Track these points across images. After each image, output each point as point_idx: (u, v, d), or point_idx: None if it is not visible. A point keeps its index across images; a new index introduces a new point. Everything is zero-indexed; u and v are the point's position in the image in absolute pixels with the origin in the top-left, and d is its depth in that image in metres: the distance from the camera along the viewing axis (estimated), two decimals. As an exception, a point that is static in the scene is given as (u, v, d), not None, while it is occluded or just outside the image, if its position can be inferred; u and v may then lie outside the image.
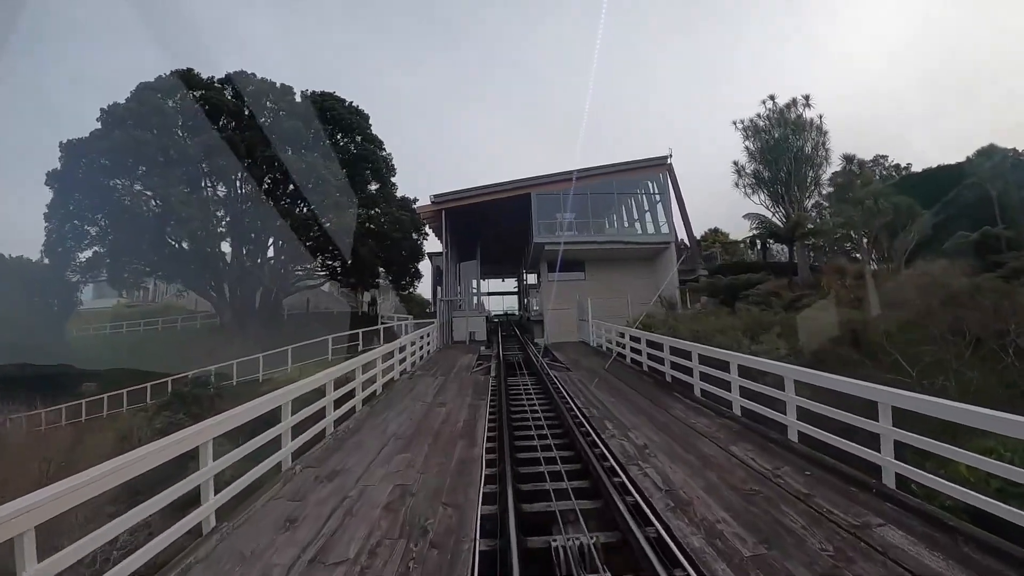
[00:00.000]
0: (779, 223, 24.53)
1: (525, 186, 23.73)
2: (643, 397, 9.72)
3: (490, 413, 8.72)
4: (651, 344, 12.22)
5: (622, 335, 15.59)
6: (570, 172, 24.24)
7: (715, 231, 39.72)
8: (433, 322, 21.11)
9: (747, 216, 25.45)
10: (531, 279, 40.74)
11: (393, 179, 26.31)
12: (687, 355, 9.72)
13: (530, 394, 10.52)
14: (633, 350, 13.81)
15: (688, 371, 9.67)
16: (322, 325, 29.35)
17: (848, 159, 31.43)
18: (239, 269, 28.58)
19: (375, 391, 10.48)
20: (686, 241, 26.95)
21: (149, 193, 23.24)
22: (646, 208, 26.35)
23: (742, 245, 35.30)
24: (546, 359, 17.43)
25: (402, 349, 13.64)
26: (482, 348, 20.76)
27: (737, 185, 28.76)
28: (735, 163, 29.08)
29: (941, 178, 34.36)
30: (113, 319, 44.97)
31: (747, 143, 29.22)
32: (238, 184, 26.01)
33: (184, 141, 24.15)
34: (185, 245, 27.29)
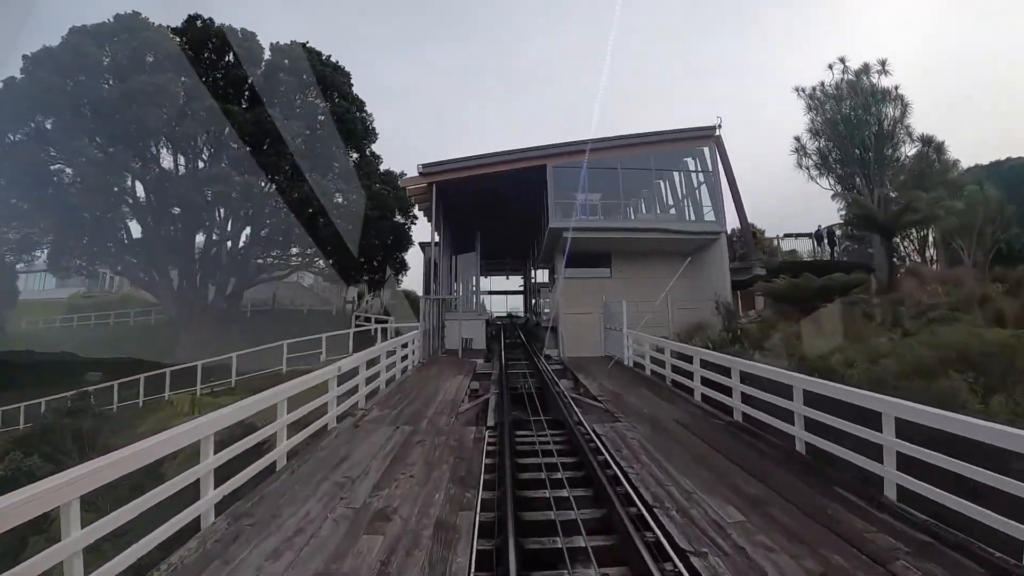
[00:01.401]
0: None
1: (539, 156, 19.01)
2: (817, 523, 4.91)
3: (479, 548, 4.00)
4: (813, 397, 6.93)
5: (680, 356, 10.84)
6: (596, 140, 19.48)
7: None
8: (418, 326, 16.43)
9: (835, 196, 20.61)
10: (540, 276, 35.96)
11: (372, 147, 21.56)
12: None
13: (561, 482, 5.76)
14: (716, 386, 9.06)
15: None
16: (286, 326, 24.80)
17: (926, 141, 26.46)
18: (186, 254, 23.99)
19: (275, 461, 5.79)
20: (738, 232, 22.17)
21: (56, 153, 18.61)
22: (682, 194, 21.53)
23: (776, 242, 30.49)
24: (567, 384, 12.75)
25: (352, 373, 8.97)
26: (479, 362, 16.08)
27: (800, 166, 23.90)
28: (796, 139, 24.23)
29: (1007, 172, 30.32)
30: (69, 310, 40.84)
31: (809, 116, 24.35)
32: (188, 151, 21.35)
33: (108, 91, 19.51)
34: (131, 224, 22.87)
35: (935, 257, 27.48)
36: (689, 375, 10.15)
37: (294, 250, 24.08)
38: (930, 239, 27.25)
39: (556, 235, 18.57)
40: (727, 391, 8.43)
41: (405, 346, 13.95)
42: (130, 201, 23.01)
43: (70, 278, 35.78)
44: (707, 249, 20.31)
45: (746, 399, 7.96)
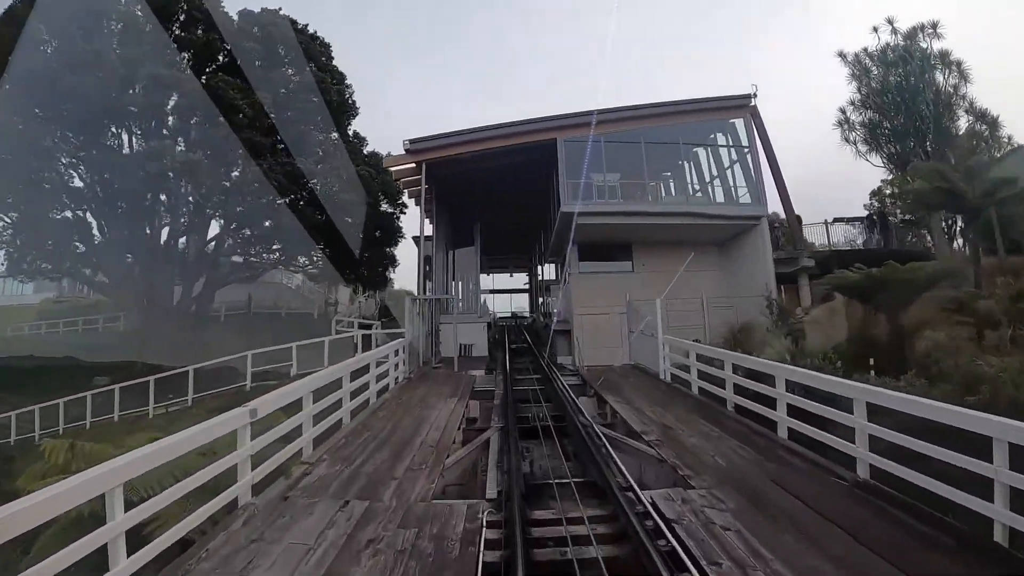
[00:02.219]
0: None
1: (548, 128, 16.21)
2: None
3: None
4: None
5: (750, 374, 8.03)
6: (615, 109, 16.67)
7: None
8: (406, 332, 13.65)
9: (909, 170, 17.71)
10: (548, 272, 33.15)
11: (354, 125, 18.74)
12: None
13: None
14: (808, 416, 6.27)
15: None
16: (260, 331, 22.08)
17: (979, 115, 23.52)
18: (141, 250, 21.28)
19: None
20: (778, 218, 19.33)
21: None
22: (712, 174, 18.66)
23: (824, 228, 27.43)
24: (590, 405, 9.99)
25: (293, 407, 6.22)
26: (479, 376, 13.36)
27: (847, 140, 21.03)
28: (842, 111, 21.34)
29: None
30: (39, 316, 38.38)
31: (854, 85, 21.48)
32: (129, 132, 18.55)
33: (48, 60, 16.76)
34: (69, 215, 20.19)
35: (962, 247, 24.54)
36: (764, 400, 7.36)
37: (277, 245, 21.26)
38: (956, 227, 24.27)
39: (568, 221, 15.72)
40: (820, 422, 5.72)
41: (389, 358, 11.20)
42: (83, 191, 20.28)
43: (34, 281, 33.15)
44: (744, 237, 17.49)
45: (872, 442, 5.17)
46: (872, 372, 8.75)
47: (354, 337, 17.57)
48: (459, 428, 8.12)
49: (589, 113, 16.31)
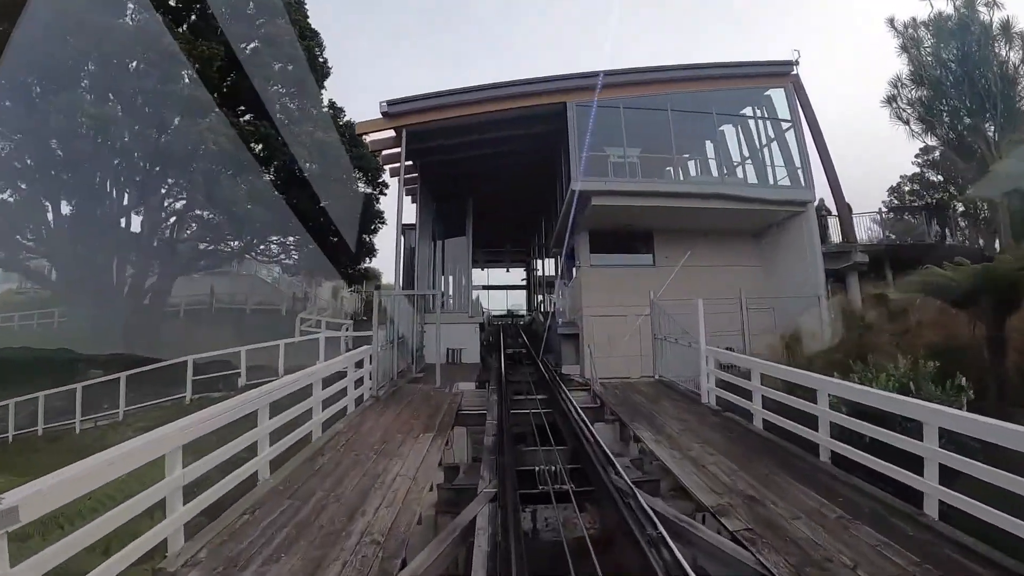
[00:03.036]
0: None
1: (556, 89, 13.53)
2: None
3: None
4: None
5: (867, 414, 5.41)
6: (636, 70, 14.00)
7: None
8: (374, 336, 10.95)
9: (1011, 141, 15.04)
10: (547, 268, 30.46)
11: (324, 87, 15.90)
12: None
13: None
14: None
15: None
16: (219, 329, 19.37)
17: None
18: (91, 233, 18.51)
19: None
20: (827, 205, 16.74)
21: None
22: (743, 153, 16.01)
23: (880, 218, 24.61)
24: (612, 440, 7.42)
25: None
26: (468, 390, 10.75)
27: (900, 118, 18.42)
28: (892, 85, 18.73)
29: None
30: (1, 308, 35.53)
31: (905, 57, 18.89)
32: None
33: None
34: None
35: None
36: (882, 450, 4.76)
37: (228, 232, 18.46)
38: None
39: (579, 202, 13.05)
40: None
41: (348, 372, 8.52)
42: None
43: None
44: (786, 226, 14.91)
45: None
46: None
47: (321, 341, 14.84)
48: (431, 489, 5.43)
49: (605, 73, 13.60)
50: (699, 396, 9.37)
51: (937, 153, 27.29)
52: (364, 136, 14.07)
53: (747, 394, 7.86)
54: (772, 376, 7.49)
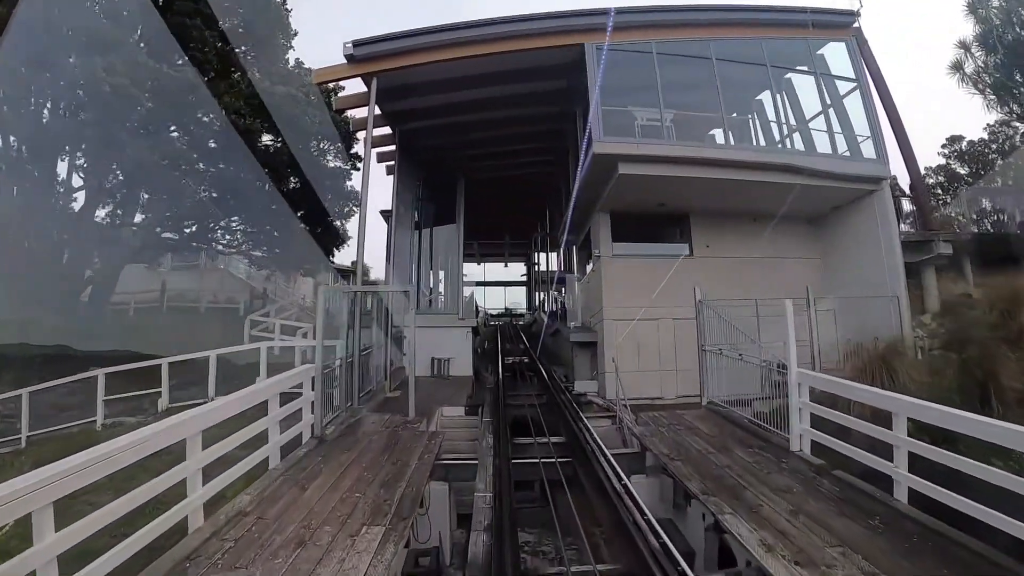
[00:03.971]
0: None
1: (571, 28, 10.54)
2: None
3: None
4: None
5: None
6: (670, 8, 11.10)
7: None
8: (317, 349, 8.15)
9: None
10: (549, 263, 27.57)
11: (285, 44, 12.92)
12: None
13: None
14: None
15: None
16: (165, 332, 16.48)
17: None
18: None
19: None
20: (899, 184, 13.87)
21: None
22: (794, 118, 13.07)
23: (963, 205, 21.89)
24: (655, 493, 4.68)
25: None
26: (453, 418, 8.05)
27: (976, 87, 15.49)
28: (963, 47, 15.80)
29: None
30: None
31: (972, 20, 15.93)
32: None
33: None
34: None
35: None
36: None
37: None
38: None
39: (601, 171, 10.13)
40: None
41: (270, 406, 5.68)
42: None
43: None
44: (853, 208, 12.10)
45: None
46: None
47: (274, 348, 11.92)
48: None
49: (633, 10, 10.68)
50: (774, 435, 6.56)
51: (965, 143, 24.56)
52: (326, 88, 11.03)
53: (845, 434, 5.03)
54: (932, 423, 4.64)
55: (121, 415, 10.79)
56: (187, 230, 17.34)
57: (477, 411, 9.06)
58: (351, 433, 7.11)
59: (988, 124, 20.11)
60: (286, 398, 6.51)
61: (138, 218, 17.69)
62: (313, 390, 6.79)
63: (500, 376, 12.08)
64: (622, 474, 6.09)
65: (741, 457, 6.24)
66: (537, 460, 6.45)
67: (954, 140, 24.81)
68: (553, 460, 6.52)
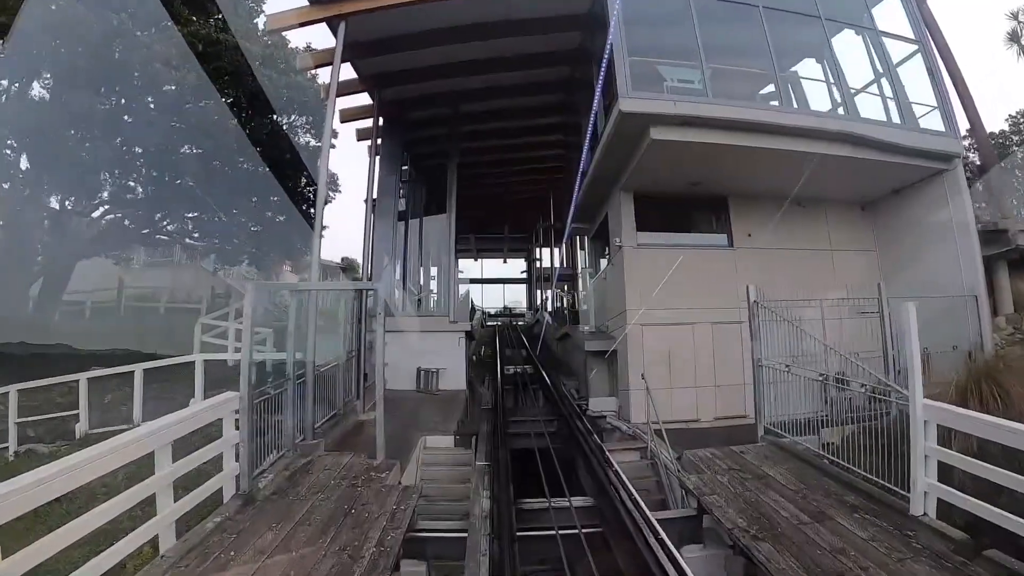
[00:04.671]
0: None
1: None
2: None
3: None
4: None
5: None
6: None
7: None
8: (243, 372, 6.17)
9: None
10: (549, 259, 25.65)
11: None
12: None
13: None
14: None
15: None
16: (118, 336, 14.47)
17: None
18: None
19: None
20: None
21: None
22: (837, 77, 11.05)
23: None
24: None
25: None
26: (441, 449, 6.14)
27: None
28: (1014, 17, 13.95)
29: None
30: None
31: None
32: None
33: None
34: None
35: None
36: None
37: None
38: None
39: (626, 138, 8.13)
40: None
41: (162, 461, 3.76)
42: None
43: None
44: (917, 191, 10.17)
45: None
46: None
47: (198, 367, 9.89)
48: None
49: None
50: (875, 485, 4.66)
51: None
52: (278, 28, 8.99)
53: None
54: None
55: (29, 444, 8.79)
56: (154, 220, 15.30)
57: (469, 442, 7.11)
58: (293, 486, 5.14)
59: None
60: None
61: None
62: (238, 429, 4.83)
63: (499, 391, 10.12)
64: (676, 554, 4.17)
65: (850, 531, 4.29)
66: (553, 533, 4.51)
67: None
68: (577, 530, 4.58)
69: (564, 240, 19.91)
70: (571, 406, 9.31)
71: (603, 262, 11.47)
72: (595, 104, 7.79)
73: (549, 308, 20.07)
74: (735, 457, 6.12)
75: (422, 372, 10.03)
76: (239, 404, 4.86)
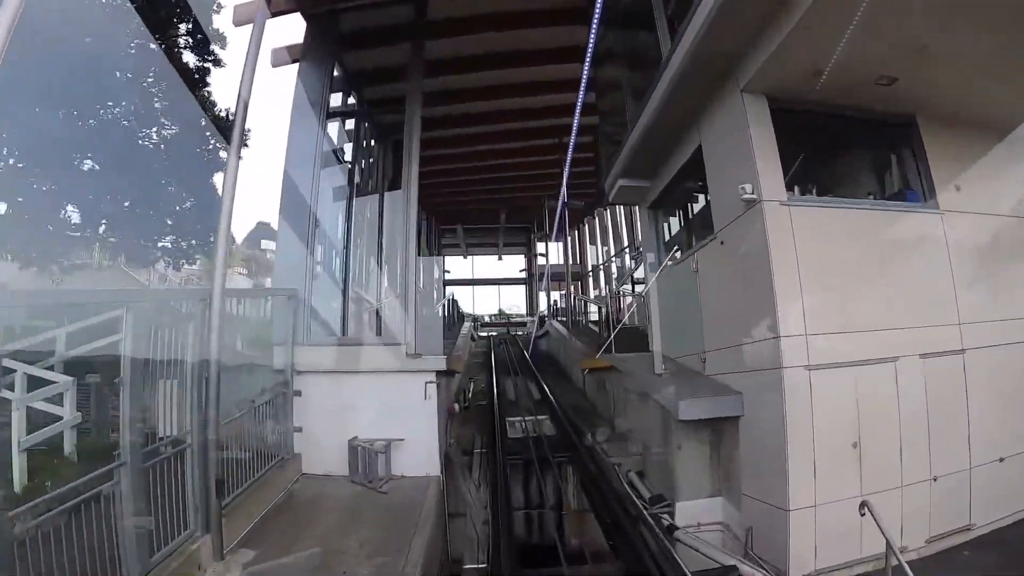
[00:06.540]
0: None
1: None
2: None
3: None
4: None
5: None
6: None
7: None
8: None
9: None
10: (552, 256, 21.33)
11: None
12: None
13: None
14: None
15: None
16: None
17: None
18: None
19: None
20: None
21: None
22: None
23: None
24: None
25: None
26: None
27: None
28: None
29: None
30: None
31: None
32: None
33: None
34: None
35: None
36: None
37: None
38: None
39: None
40: None
41: None
42: None
43: None
44: None
45: None
46: None
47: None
48: None
49: None
50: None
51: None
52: None
53: None
54: None
55: None
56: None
57: None
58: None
59: None
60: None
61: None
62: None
63: (503, 475, 5.53)
64: None
65: None
66: None
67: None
68: None
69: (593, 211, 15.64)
70: (642, 516, 4.77)
71: (675, 250, 6.89)
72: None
73: (561, 316, 15.48)
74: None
75: (359, 450, 5.48)
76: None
